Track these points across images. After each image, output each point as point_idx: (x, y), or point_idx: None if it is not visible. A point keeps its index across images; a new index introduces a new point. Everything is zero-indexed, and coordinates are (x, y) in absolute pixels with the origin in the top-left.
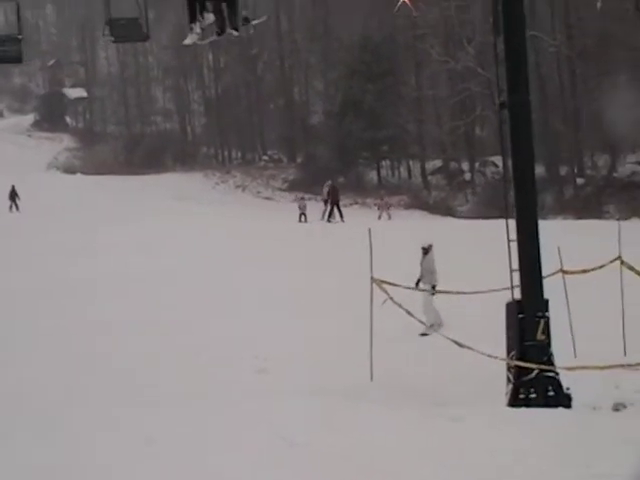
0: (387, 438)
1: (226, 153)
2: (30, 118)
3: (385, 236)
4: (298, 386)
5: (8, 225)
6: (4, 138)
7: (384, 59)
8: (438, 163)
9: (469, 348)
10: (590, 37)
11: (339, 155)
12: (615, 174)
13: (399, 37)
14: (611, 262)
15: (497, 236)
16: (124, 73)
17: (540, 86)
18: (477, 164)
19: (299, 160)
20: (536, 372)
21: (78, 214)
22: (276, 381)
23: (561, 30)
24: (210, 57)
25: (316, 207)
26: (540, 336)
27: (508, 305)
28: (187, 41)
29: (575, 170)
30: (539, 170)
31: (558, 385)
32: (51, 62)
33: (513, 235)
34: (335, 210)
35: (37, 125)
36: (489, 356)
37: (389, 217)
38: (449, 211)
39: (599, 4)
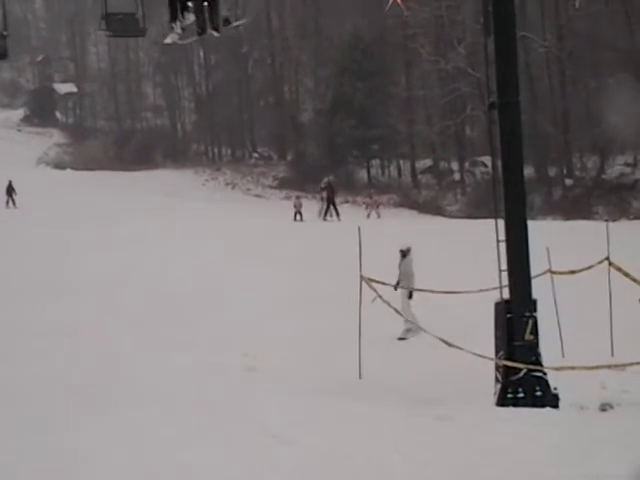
0: (374, 436)
1: (216, 150)
2: (20, 113)
3: (374, 235)
4: (286, 384)
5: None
6: None
7: (374, 58)
8: (428, 162)
9: (458, 347)
10: (580, 38)
11: (329, 153)
12: (604, 175)
13: (390, 36)
14: (599, 263)
15: (486, 236)
16: (114, 69)
17: (530, 87)
18: (467, 164)
19: (289, 158)
20: (524, 372)
21: (74, 210)
22: (264, 379)
23: (551, 31)
24: (201, 54)
25: (310, 205)
26: (528, 336)
27: (497, 305)
28: (167, 40)
29: (564, 171)
30: (528, 171)
31: (546, 385)
32: (40, 57)
33: (502, 235)
34: (332, 208)
35: (27, 120)
36: (478, 356)
37: (378, 216)
38: (438, 210)
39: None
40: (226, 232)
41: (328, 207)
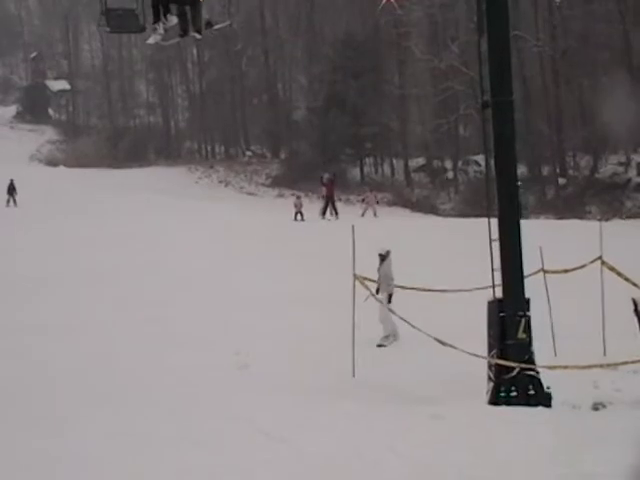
0: (367, 434)
1: (209, 148)
2: (12, 110)
3: (373, 234)
4: (280, 383)
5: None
6: None
7: (368, 56)
8: (421, 161)
9: (451, 346)
10: (573, 38)
11: (322, 151)
12: (597, 175)
13: (383, 34)
14: (592, 262)
15: (479, 235)
16: (107, 66)
17: (523, 86)
18: (460, 163)
19: (283, 156)
20: (517, 371)
21: (71, 208)
22: (257, 377)
23: (545, 30)
24: (194, 51)
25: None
26: (521, 335)
27: (489, 304)
28: (150, 40)
29: (557, 170)
30: (521, 170)
31: (539, 384)
32: (34, 54)
33: (495, 234)
34: (330, 207)
35: (19, 117)
36: (471, 354)
37: (374, 214)
38: (432, 209)
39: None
40: (219, 231)
41: (326, 205)
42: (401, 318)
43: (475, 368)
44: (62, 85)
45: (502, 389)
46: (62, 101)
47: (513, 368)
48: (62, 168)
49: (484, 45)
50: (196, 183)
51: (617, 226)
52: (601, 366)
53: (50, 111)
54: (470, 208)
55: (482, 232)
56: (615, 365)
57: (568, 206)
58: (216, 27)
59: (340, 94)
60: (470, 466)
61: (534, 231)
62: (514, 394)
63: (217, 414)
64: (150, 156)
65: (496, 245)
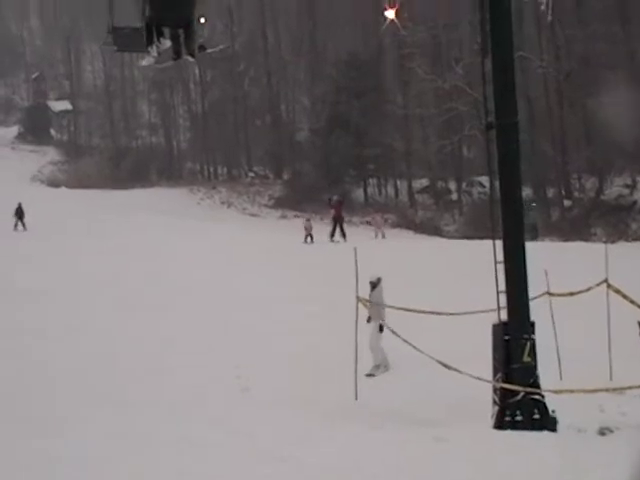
0: (370, 456)
1: (212, 169)
2: (14, 130)
3: (383, 256)
4: (282, 402)
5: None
6: None
7: (371, 76)
8: (425, 182)
9: (455, 370)
10: (576, 59)
11: (326, 172)
12: (602, 196)
13: (386, 55)
14: (598, 285)
15: (484, 257)
16: (109, 86)
17: (528, 107)
18: (464, 184)
19: (285, 177)
20: (522, 394)
21: (76, 229)
22: (259, 397)
23: (549, 51)
24: (196, 72)
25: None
26: (526, 358)
27: (494, 327)
28: (144, 63)
29: (562, 192)
30: (526, 192)
31: (544, 408)
32: (35, 74)
33: (500, 256)
34: (338, 229)
35: (21, 138)
36: (475, 378)
37: (383, 236)
38: (436, 231)
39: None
40: (221, 251)
41: (335, 227)
42: (405, 340)
43: (480, 392)
44: (64, 105)
45: (507, 413)
46: (64, 121)
47: (518, 392)
48: (64, 189)
49: (488, 66)
50: (198, 204)
51: (623, 248)
52: (607, 390)
53: (52, 132)
54: (474, 230)
55: (487, 254)
56: (622, 389)
57: (573, 228)
58: (210, 50)
59: (343, 115)
60: None
61: (539, 253)
62: (519, 418)
63: (218, 431)
64: (152, 177)
65: (501, 267)
